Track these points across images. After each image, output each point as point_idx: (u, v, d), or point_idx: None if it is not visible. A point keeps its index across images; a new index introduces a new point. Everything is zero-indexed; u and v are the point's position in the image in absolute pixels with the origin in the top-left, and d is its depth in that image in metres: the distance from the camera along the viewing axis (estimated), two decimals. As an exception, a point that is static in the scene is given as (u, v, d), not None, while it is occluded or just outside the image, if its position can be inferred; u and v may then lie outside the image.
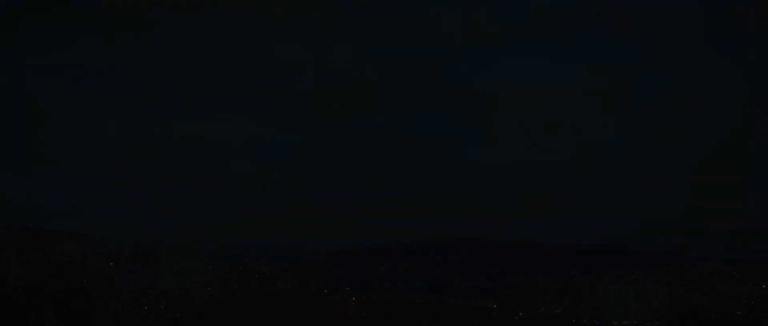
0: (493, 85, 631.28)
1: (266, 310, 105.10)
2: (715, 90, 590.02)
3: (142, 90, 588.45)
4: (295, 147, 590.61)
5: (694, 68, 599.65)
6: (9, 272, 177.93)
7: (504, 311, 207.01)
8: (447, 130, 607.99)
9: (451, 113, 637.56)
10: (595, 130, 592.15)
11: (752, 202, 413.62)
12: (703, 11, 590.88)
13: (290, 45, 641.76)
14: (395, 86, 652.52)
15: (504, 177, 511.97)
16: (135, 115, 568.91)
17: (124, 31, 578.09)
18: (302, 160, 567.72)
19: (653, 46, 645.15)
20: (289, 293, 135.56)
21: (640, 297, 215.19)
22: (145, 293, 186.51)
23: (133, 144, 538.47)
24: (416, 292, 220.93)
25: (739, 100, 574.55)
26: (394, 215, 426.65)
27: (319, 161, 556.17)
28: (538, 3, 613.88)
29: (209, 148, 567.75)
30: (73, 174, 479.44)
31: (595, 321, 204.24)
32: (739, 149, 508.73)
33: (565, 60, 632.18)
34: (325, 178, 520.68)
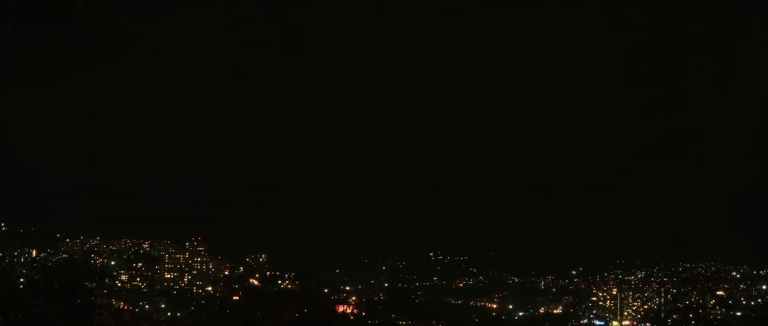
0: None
1: (266, 309, 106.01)
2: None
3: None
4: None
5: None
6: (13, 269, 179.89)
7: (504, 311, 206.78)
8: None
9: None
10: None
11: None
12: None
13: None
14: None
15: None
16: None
17: None
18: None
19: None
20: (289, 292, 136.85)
21: (639, 297, 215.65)
22: (147, 291, 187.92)
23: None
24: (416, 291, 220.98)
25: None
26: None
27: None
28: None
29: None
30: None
31: (595, 321, 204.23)
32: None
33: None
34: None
